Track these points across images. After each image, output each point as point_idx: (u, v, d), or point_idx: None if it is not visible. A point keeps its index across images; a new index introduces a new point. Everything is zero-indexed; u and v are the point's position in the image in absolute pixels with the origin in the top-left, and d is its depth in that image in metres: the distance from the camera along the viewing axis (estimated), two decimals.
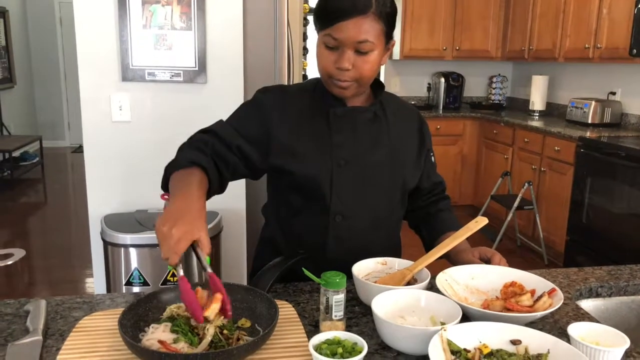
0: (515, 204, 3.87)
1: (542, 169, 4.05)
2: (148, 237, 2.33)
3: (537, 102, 4.81)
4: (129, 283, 2.42)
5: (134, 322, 0.95)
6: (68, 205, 5.74)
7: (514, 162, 4.45)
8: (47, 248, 4.09)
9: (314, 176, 1.22)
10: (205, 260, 0.95)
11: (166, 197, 1.08)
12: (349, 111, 1.26)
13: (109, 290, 2.46)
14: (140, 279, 2.41)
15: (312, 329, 1.02)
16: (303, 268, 1.04)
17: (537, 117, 4.69)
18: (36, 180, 6.51)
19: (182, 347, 0.88)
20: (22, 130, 7.24)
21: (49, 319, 1.05)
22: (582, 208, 3.58)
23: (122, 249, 2.39)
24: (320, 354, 0.86)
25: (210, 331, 0.90)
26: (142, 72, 2.51)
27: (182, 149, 1.21)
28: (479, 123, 4.99)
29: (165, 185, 1.16)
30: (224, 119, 1.29)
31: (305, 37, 4.70)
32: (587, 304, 1.25)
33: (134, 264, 2.41)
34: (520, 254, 4.23)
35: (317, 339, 0.90)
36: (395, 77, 5.50)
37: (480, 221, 1.18)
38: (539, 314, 1.00)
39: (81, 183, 6.73)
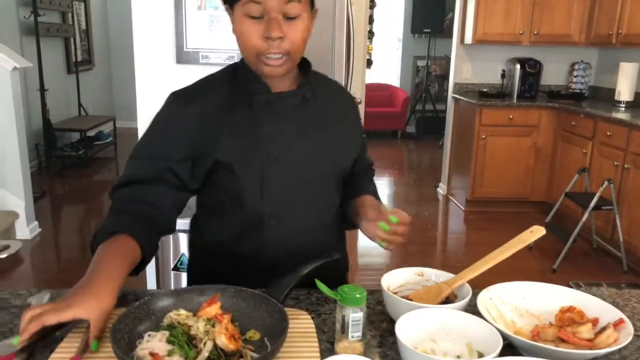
0: (593, 203, 3.55)
1: (626, 165, 3.68)
2: None
3: (624, 91, 4.39)
4: (175, 268, 2.40)
5: (133, 327, 0.87)
6: None
7: (593, 158, 4.09)
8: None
9: (240, 177, 1.09)
10: (91, 343, 0.84)
11: None
12: (275, 98, 1.12)
13: (157, 274, 2.45)
14: (187, 265, 2.38)
15: (330, 346, 0.90)
16: (316, 279, 0.91)
17: (623, 109, 4.28)
18: (110, 159, 6.75)
19: None
20: (98, 111, 7.52)
21: None
22: None
23: (171, 235, 2.37)
24: None
25: (207, 346, 0.80)
26: (197, 55, 2.48)
27: (108, 215, 1.09)
28: (556, 113, 4.63)
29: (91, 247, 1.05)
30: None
31: (371, 20, 4.52)
32: None
33: (182, 249, 2.38)
34: (595, 258, 3.90)
35: None
36: (467, 63, 5.21)
37: (536, 231, 1.00)
38: (601, 352, 0.83)
39: None
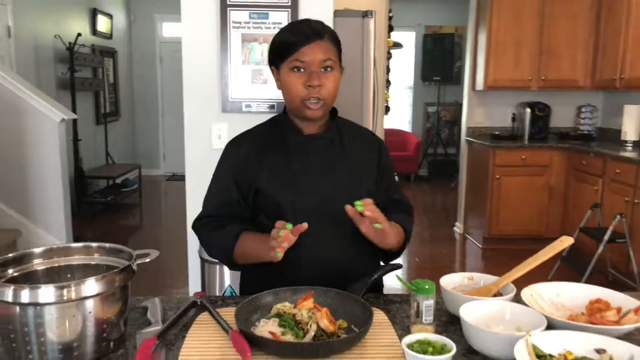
0: (606, 237, 3.74)
1: (636, 200, 3.89)
2: None
3: (630, 132, 4.64)
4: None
5: (246, 318, 1.09)
6: (162, 229, 6.13)
7: (605, 194, 4.30)
8: (144, 266, 4.41)
9: (278, 204, 1.35)
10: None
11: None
12: (306, 139, 1.39)
13: None
14: (233, 294, 2.58)
15: (403, 333, 1.11)
16: (397, 275, 1.13)
17: (630, 148, 4.52)
18: (135, 205, 7.02)
19: (289, 339, 1.01)
20: (123, 160, 7.85)
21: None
22: None
23: (217, 267, 2.57)
24: (412, 351, 0.95)
25: (313, 327, 1.02)
26: (240, 104, 2.74)
27: (213, 236, 1.41)
28: (567, 154, 4.88)
29: (230, 263, 1.40)
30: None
31: (388, 70, 4.85)
32: None
33: (227, 281, 2.58)
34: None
35: (409, 338, 1.00)
36: (479, 108, 5.50)
37: (565, 240, 1.22)
38: (625, 327, 1.03)
39: (173, 208, 7.14)
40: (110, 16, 7.53)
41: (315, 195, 1.35)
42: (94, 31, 7.03)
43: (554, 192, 4.93)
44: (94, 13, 6.99)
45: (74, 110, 5.91)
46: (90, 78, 6.79)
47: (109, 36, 7.52)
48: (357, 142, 1.47)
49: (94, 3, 7.06)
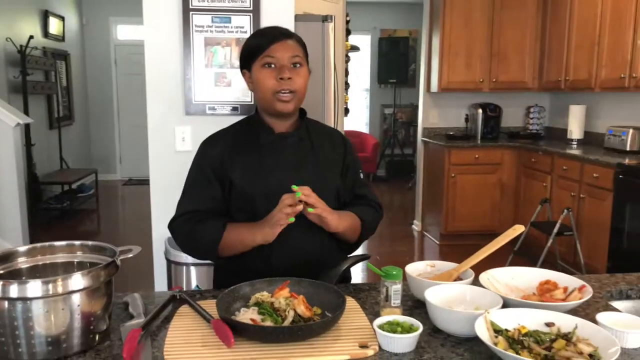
0: (555, 230, 3.95)
1: (582, 195, 4.13)
2: None
3: (575, 131, 4.91)
4: None
5: (226, 307, 1.15)
6: (120, 234, 6.06)
7: (553, 190, 4.54)
8: None
9: (252, 200, 1.43)
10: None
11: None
12: (277, 137, 1.49)
13: None
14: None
15: (373, 317, 1.19)
16: (368, 263, 1.22)
17: (575, 146, 4.78)
18: (92, 210, 6.90)
19: (269, 325, 1.07)
20: (77, 164, 7.69)
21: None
22: (623, 234, 3.63)
23: (184, 267, 2.60)
24: (383, 331, 1.04)
25: (290, 313, 1.10)
26: (204, 107, 2.77)
27: (194, 231, 1.44)
28: (517, 152, 5.11)
29: (214, 255, 1.44)
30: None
31: (347, 73, 4.96)
32: (618, 305, 1.38)
33: (194, 281, 2.62)
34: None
35: (380, 320, 1.08)
36: (434, 109, 5.69)
37: (518, 229, 1.34)
38: (570, 304, 1.15)
39: (131, 213, 7.03)
40: (62, 18, 7.38)
41: (285, 191, 1.39)
42: (46, 33, 6.87)
43: (505, 188, 5.15)
44: (45, 15, 6.83)
45: (26, 115, 5.77)
46: (42, 81, 6.64)
47: (61, 38, 7.36)
48: (325, 141, 1.55)
49: (45, 5, 6.90)
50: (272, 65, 1.41)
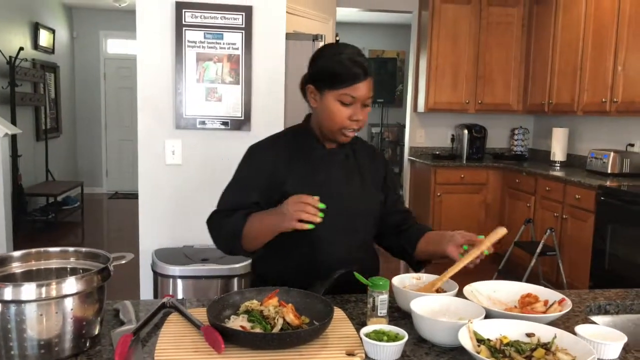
0: (538, 250, 4.01)
1: (564, 216, 4.20)
2: (194, 269, 2.55)
3: (558, 153, 5.01)
4: None
5: (216, 315, 1.17)
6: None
7: (536, 210, 4.61)
8: None
9: None
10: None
11: None
12: (328, 153, 1.54)
13: None
14: None
15: (359, 327, 1.22)
16: (354, 272, 1.25)
17: (558, 168, 4.87)
18: (77, 223, 6.85)
19: (259, 332, 1.10)
20: (63, 177, 7.65)
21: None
22: (604, 254, 3.70)
23: (171, 280, 2.61)
24: (370, 339, 1.07)
25: (279, 321, 1.12)
26: (194, 121, 2.80)
27: (222, 223, 1.49)
28: (501, 173, 5.19)
29: (240, 247, 1.47)
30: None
31: None
32: (597, 320, 1.42)
33: (180, 294, 2.62)
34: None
35: (366, 329, 1.11)
36: (420, 129, 5.77)
37: (500, 231, 1.38)
38: (550, 315, 1.19)
39: (117, 227, 6.98)
40: (52, 31, 7.39)
41: (335, 204, 1.45)
42: (36, 45, 6.88)
43: (490, 208, 5.23)
44: (35, 27, 6.85)
45: (14, 126, 5.74)
46: (30, 93, 6.63)
47: (51, 51, 7.37)
48: (367, 157, 1.62)
49: (35, 17, 6.92)
50: (348, 104, 1.43)
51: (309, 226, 1.29)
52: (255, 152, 1.56)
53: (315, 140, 1.54)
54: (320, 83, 1.45)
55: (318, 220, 1.29)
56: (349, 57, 1.43)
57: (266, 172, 1.51)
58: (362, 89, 1.42)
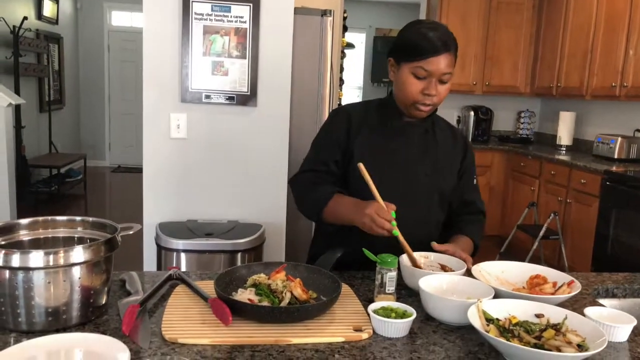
0: (541, 233, 4.01)
1: (568, 200, 4.19)
2: (198, 243, 2.55)
3: (564, 137, 4.97)
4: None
5: (223, 287, 1.16)
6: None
7: (540, 194, 4.60)
8: None
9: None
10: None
11: None
12: (406, 125, 1.51)
13: None
14: None
15: (367, 304, 1.22)
16: (363, 249, 1.24)
17: (563, 152, 4.85)
18: (80, 196, 6.86)
19: (267, 305, 1.09)
20: (66, 149, 7.63)
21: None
22: (607, 239, 3.70)
23: (175, 253, 2.61)
24: (378, 316, 1.06)
25: (287, 295, 1.11)
26: (200, 95, 2.78)
27: (309, 190, 1.49)
28: (506, 156, 5.17)
29: (317, 216, 1.47)
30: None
31: (342, 69, 4.98)
32: (604, 303, 1.42)
33: (183, 267, 2.62)
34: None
35: (374, 305, 1.11)
36: None
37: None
38: (559, 297, 1.18)
39: (119, 200, 6.99)
40: (56, 1, 7.31)
41: (403, 174, 1.44)
42: (40, 16, 6.81)
43: (494, 191, 5.21)
44: None
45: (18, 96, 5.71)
46: (34, 64, 6.58)
47: (54, 21, 7.29)
48: (448, 138, 1.59)
49: None
50: (422, 77, 1.39)
51: (395, 233, 1.30)
52: (339, 113, 1.57)
53: (396, 110, 1.51)
54: (398, 54, 1.44)
55: (387, 234, 1.29)
56: (428, 29, 1.40)
57: (339, 135, 1.51)
58: (437, 63, 1.37)
